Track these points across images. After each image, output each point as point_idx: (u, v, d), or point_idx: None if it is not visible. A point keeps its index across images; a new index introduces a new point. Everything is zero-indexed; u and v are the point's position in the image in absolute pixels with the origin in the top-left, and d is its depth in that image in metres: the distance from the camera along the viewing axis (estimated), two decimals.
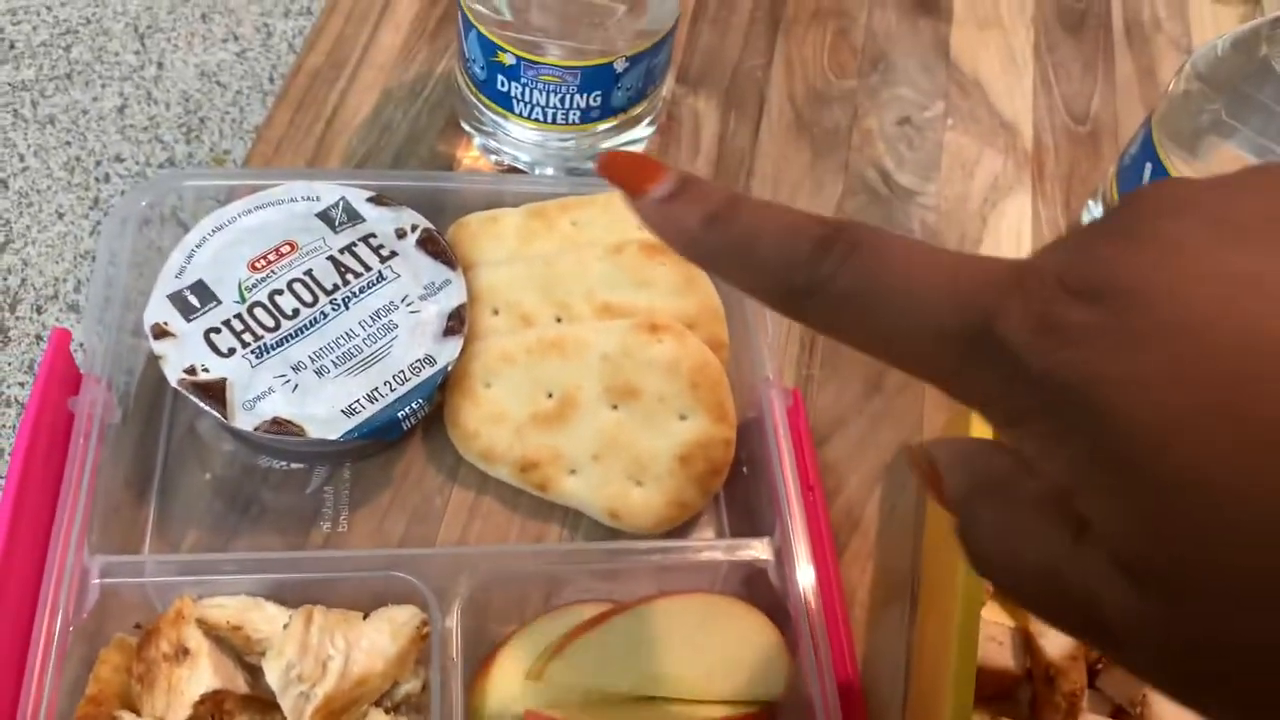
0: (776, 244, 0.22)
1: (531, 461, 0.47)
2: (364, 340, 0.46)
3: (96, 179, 0.64)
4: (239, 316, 0.46)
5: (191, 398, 0.44)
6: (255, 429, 0.43)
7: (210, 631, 0.39)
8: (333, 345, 0.46)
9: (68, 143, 0.63)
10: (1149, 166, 0.53)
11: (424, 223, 0.50)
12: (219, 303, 0.46)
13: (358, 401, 0.45)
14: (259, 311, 0.46)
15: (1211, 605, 0.17)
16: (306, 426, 0.44)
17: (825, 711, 0.41)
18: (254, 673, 0.40)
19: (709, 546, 0.45)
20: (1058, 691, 0.45)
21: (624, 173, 0.25)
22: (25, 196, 0.63)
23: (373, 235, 0.49)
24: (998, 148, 0.64)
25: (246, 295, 0.46)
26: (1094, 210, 0.59)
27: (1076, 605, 0.19)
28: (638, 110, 0.55)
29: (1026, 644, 0.46)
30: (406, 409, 0.45)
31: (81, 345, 0.45)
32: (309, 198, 0.50)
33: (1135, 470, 0.17)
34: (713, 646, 0.43)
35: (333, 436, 0.44)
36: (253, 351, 0.45)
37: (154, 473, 0.48)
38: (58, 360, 0.44)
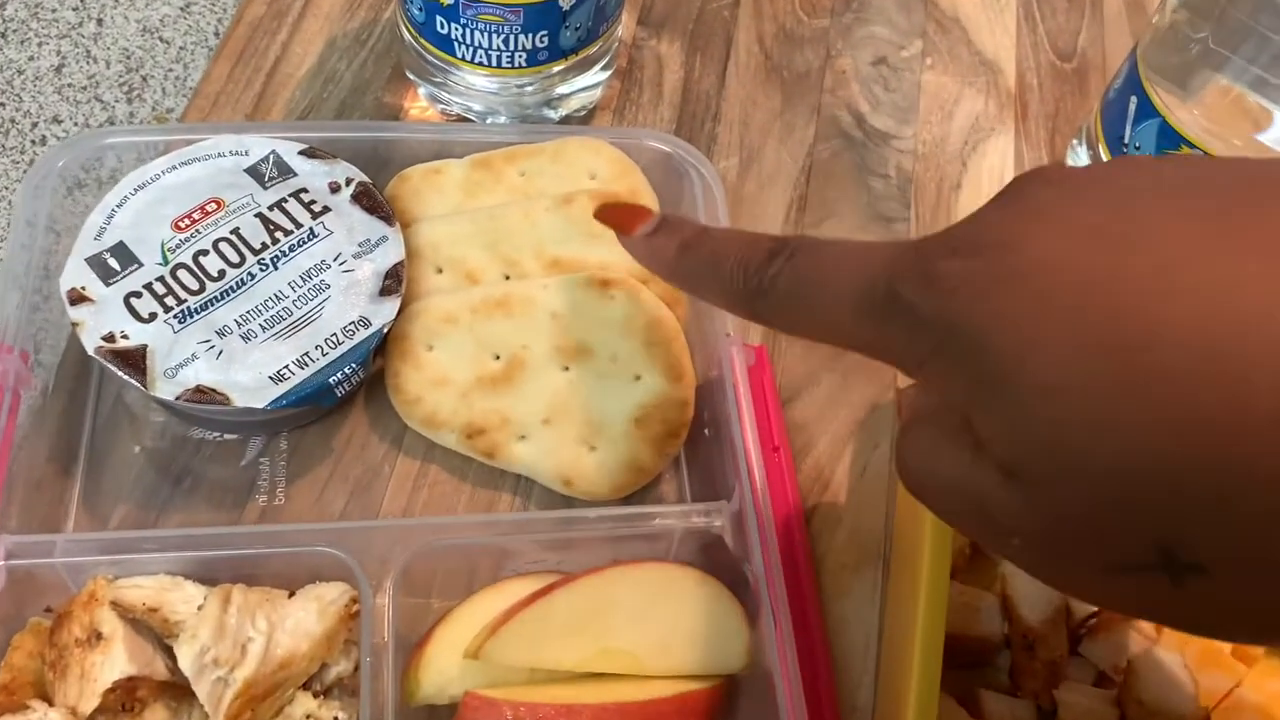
0: (736, 259, 0.28)
1: (478, 427, 0.45)
2: (294, 302, 0.43)
3: (33, 141, 0.61)
4: (161, 279, 0.43)
5: (110, 367, 0.41)
6: (177, 398, 0.41)
7: (126, 614, 0.37)
8: (260, 308, 0.43)
9: (1, 104, 0.60)
10: (1134, 100, 0.50)
11: (359, 176, 0.47)
12: (140, 265, 0.43)
13: (286, 367, 0.42)
14: (182, 274, 0.43)
15: (1062, 487, 0.20)
16: (232, 395, 0.41)
17: (786, 684, 0.39)
18: (175, 657, 0.37)
19: (662, 513, 0.42)
20: (1037, 658, 0.42)
21: (617, 218, 0.35)
22: None
23: (304, 190, 0.46)
24: (978, 87, 0.61)
25: (169, 257, 0.44)
26: (1078, 151, 0.56)
27: (975, 509, 0.23)
28: (591, 51, 0.52)
29: (1005, 610, 0.43)
30: (339, 374, 0.42)
31: None
32: (237, 152, 0.47)
33: (1004, 385, 0.20)
34: (666, 618, 0.40)
35: (260, 405, 0.41)
36: (175, 316, 0.42)
37: (80, 446, 0.45)
38: None
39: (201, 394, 0.41)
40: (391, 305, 0.44)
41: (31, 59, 0.60)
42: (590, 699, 0.38)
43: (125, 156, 0.48)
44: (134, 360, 0.41)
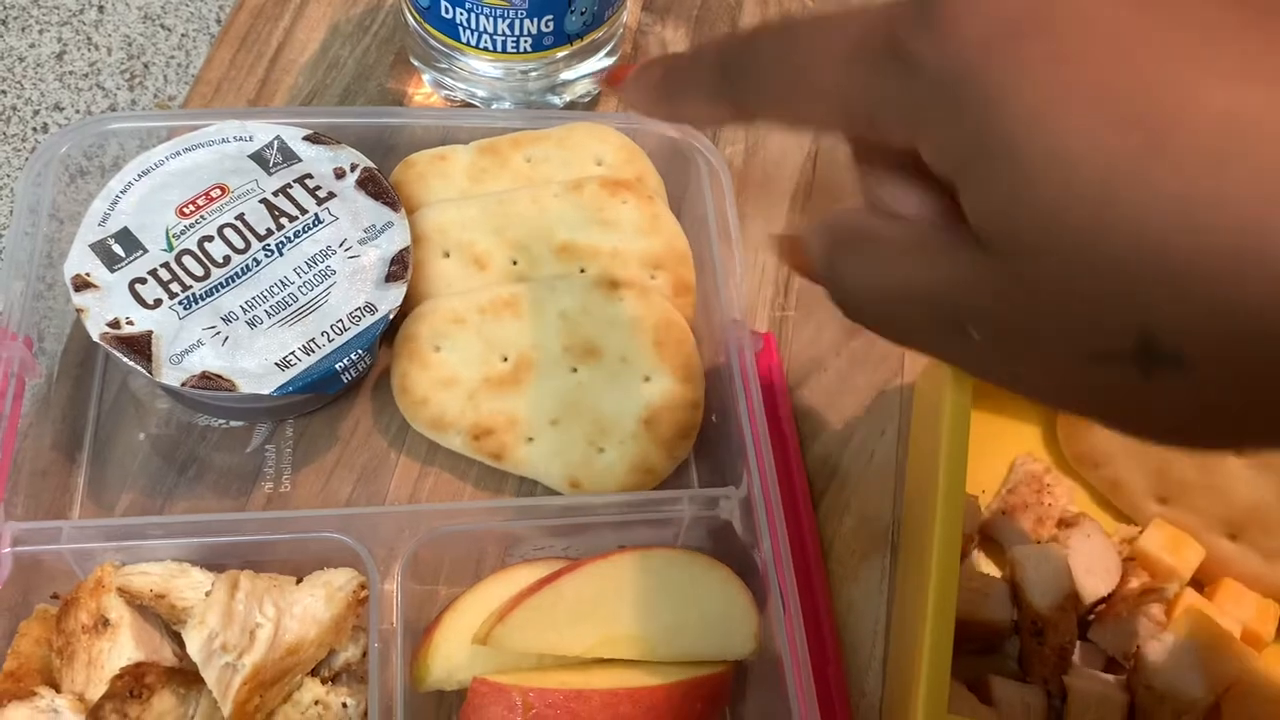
0: (717, 45, 0.26)
1: (485, 429, 0.44)
2: (299, 288, 0.43)
3: (34, 129, 0.60)
4: (166, 265, 0.43)
5: (115, 353, 0.41)
6: (183, 384, 0.41)
7: (133, 600, 0.37)
8: (266, 294, 0.43)
9: (3, 91, 0.60)
10: None
11: (364, 161, 0.47)
12: (145, 251, 0.43)
13: (293, 354, 0.42)
14: (188, 260, 0.43)
15: (1058, 261, 0.19)
16: (238, 381, 0.41)
17: (795, 671, 0.38)
18: (182, 643, 0.37)
19: (672, 499, 0.42)
20: (1046, 644, 0.42)
21: (613, 77, 0.32)
22: None
23: (309, 176, 0.46)
24: None
25: (174, 243, 0.43)
26: None
27: (931, 308, 0.22)
28: (596, 36, 0.52)
29: (1014, 596, 0.43)
30: (345, 360, 0.42)
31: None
32: (241, 138, 0.46)
33: (1014, 146, 0.19)
34: (675, 604, 0.40)
35: (266, 391, 0.41)
36: (180, 302, 0.42)
37: (85, 433, 0.45)
38: None
39: (207, 380, 0.41)
40: (397, 291, 0.44)
41: (33, 46, 0.60)
42: (599, 684, 0.38)
43: (128, 143, 0.48)
44: (139, 346, 0.41)
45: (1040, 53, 0.19)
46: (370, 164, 0.47)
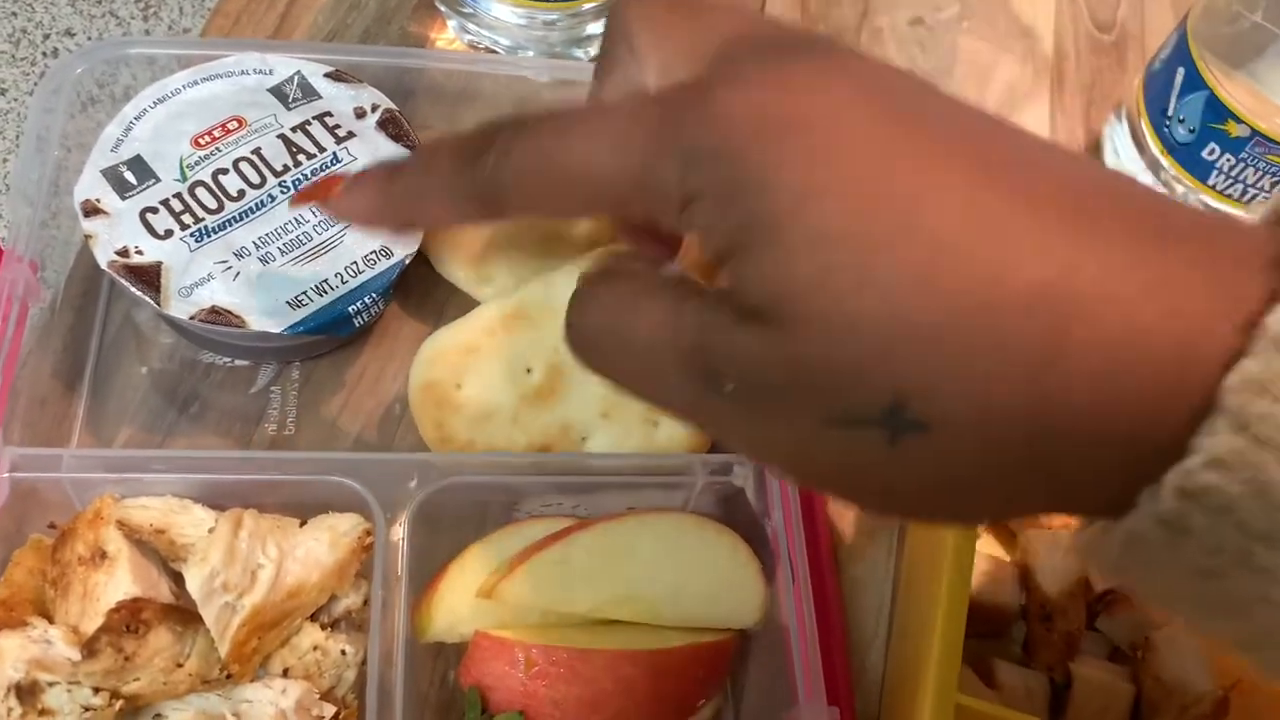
0: (450, 151, 0.26)
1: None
2: (314, 227, 0.42)
3: (44, 54, 0.59)
4: (179, 196, 0.42)
5: (122, 282, 0.40)
6: (191, 318, 0.39)
7: (132, 534, 0.36)
8: (280, 231, 0.42)
9: (13, 13, 0.58)
10: (1181, 72, 0.48)
11: (386, 102, 0.45)
12: (158, 180, 0.42)
13: (305, 293, 0.41)
14: (201, 191, 0.42)
15: (818, 330, 0.20)
16: (248, 318, 0.40)
17: (803, 643, 0.38)
18: (180, 581, 0.36)
19: (685, 463, 0.41)
20: (1054, 630, 0.42)
21: (311, 193, 0.33)
22: None
23: (329, 114, 0.45)
24: (1015, 54, 0.60)
25: (188, 173, 0.42)
26: (1116, 125, 0.55)
27: (675, 359, 0.22)
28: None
29: (1023, 580, 0.43)
30: (359, 304, 0.41)
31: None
32: (261, 71, 0.45)
33: (780, 226, 0.20)
34: (683, 569, 0.39)
35: (277, 330, 0.40)
36: (192, 234, 0.41)
37: (86, 364, 0.44)
38: None
39: (216, 315, 0.40)
40: (414, 237, 0.43)
41: None
42: (602, 645, 0.37)
43: (141, 73, 0.46)
44: (148, 277, 0.40)
45: (804, 146, 0.20)
46: (392, 105, 0.45)
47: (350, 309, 0.41)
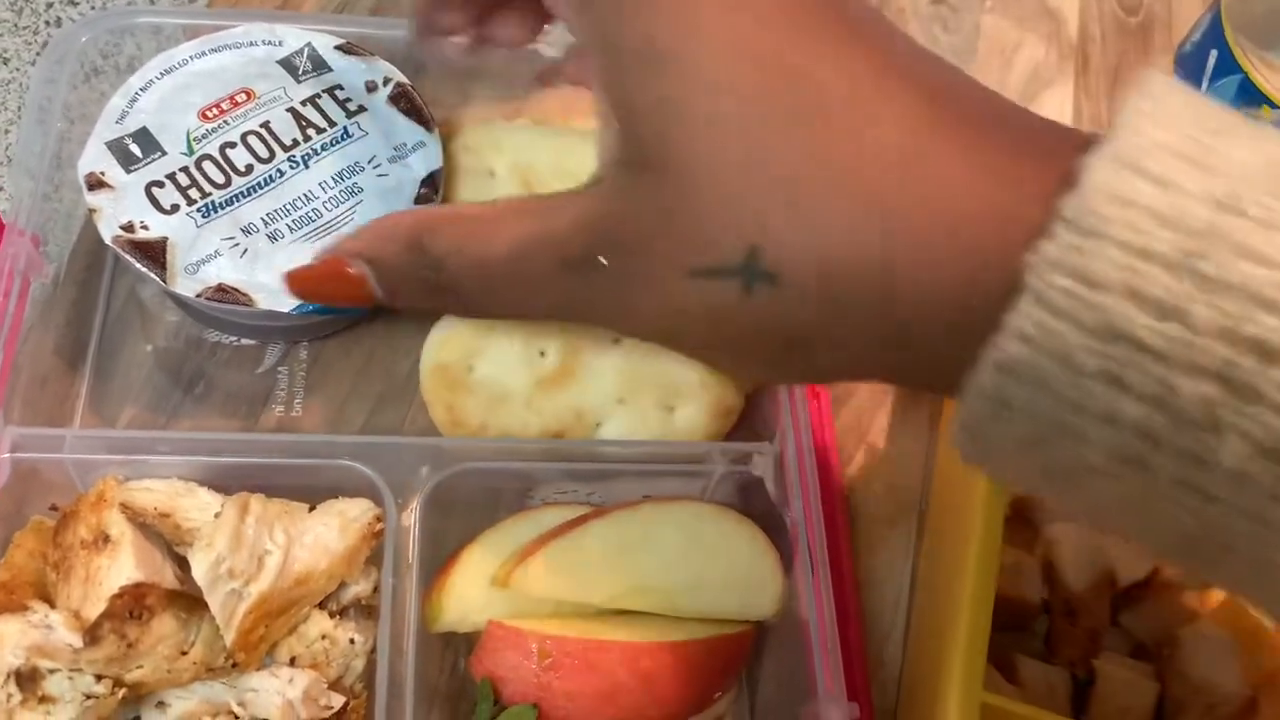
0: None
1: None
2: (324, 204, 0.41)
3: (47, 22, 0.57)
4: (185, 170, 0.41)
5: (127, 257, 0.39)
6: (198, 296, 0.38)
7: (135, 518, 0.35)
8: (289, 208, 0.41)
9: None
10: (1214, 54, 0.47)
11: (398, 75, 0.44)
12: (164, 154, 0.41)
13: None
14: (208, 165, 0.41)
15: (695, 174, 0.21)
16: (255, 296, 0.39)
17: (821, 636, 0.37)
18: (185, 565, 0.35)
19: (703, 451, 0.40)
20: (1078, 626, 0.41)
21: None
22: None
23: (339, 87, 0.43)
24: (1040, 35, 0.58)
25: (195, 147, 0.41)
26: None
27: (568, 241, 0.24)
28: None
29: (1046, 575, 0.42)
30: None
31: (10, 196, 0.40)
32: (270, 42, 0.44)
33: (683, 62, 0.21)
34: (699, 559, 0.38)
35: (285, 309, 0.39)
36: (199, 210, 0.40)
37: (89, 341, 0.43)
38: None
39: (223, 293, 0.39)
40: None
41: None
42: (618, 636, 0.36)
43: (146, 43, 0.45)
44: (153, 253, 0.39)
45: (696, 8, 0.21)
46: (404, 79, 0.44)
47: None
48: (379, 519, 0.36)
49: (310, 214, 0.41)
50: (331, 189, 0.41)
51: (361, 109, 0.43)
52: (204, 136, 0.41)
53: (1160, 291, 0.18)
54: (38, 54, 0.56)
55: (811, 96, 0.21)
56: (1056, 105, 0.57)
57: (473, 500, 0.39)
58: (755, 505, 0.40)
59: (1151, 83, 0.20)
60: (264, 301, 0.39)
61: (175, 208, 0.40)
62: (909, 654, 0.43)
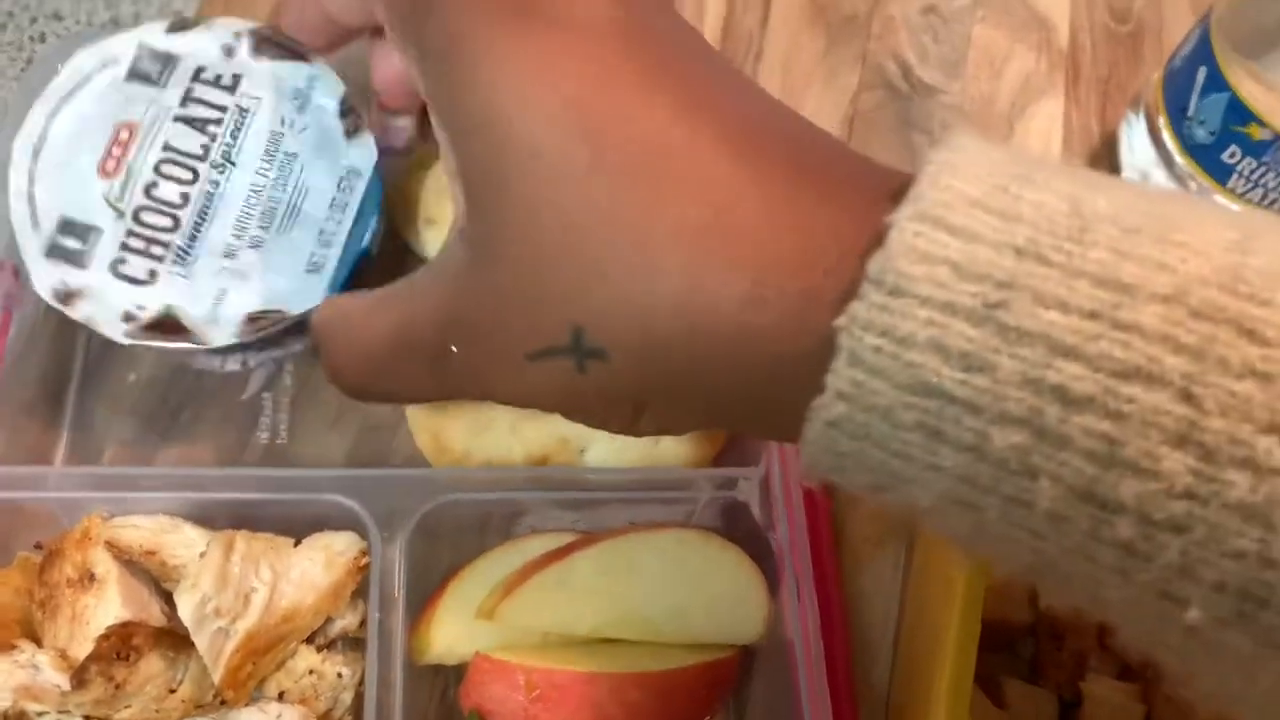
0: None
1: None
2: (273, 188, 0.39)
3: (31, 38, 0.57)
4: (130, 233, 0.38)
5: (156, 345, 0.36)
6: (240, 338, 0.37)
7: (121, 555, 0.35)
8: (246, 211, 0.38)
9: None
10: (1203, 71, 0.47)
11: (245, 26, 0.40)
12: (100, 230, 0.38)
13: (313, 254, 0.38)
14: (146, 215, 0.38)
15: (510, 266, 0.22)
16: (285, 307, 0.37)
17: (807, 659, 0.37)
18: (171, 602, 0.35)
19: (688, 477, 0.40)
20: (1065, 648, 0.41)
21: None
22: None
23: (201, 69, 0.40)
24: (1030, 45, 0.58)
25: (121, 207, 0.38)
26: (1134, 119, 0.53)
27: (424, 332, 0.25)
28: None
29: (1033, 597, 0.42)
30: (368, 234, 0.38)
31: None
32: (106, 64, 0.40)
33: (504, 150, 0.21)
34: (684, 587, 0.38)
35: (317, 301, 0.37)
36: (174, 262, 0.38)
37: (73, 372, 0.43)
38: None
39: (257, 322, 0.37)
40: (363, 144, 0.39)
41: None
42: (606, 666, 0.36)
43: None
44: (170, 327, 0.37)
45: (524, 66, 0.21)
46: (253, 24, 0.41)
47: (364, 242, 0.38)
48: (364, 553, 0.36)
49: (269, 206, 0.39)
50: (269, 171, 0.39)
51: (237, 77, 0.40)
52: (121, 191, 0.39)
53: (965, 345, 0.18)
54: (22, 69, 0.56)
55: (618, 161, 0.21)
56: (1047, 116, 0.56)
57: (459, 530, 0.39)
58: (741, 529, 0.40)
59: (955, 135, 0.20)
60: (294, 305, 0.37)
61: (153, 274, 0.38)
62: (896, 676, 0.43)
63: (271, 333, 0.38)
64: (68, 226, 0.38)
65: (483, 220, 0.22)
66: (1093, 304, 0.18)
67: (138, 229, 0.38)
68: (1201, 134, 0.47)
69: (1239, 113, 0.45)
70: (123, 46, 0.40)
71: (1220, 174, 0.47)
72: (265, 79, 0.40)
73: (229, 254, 0.39)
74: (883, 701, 0.43)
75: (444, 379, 0.25)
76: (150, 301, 0.37)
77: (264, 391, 0.43)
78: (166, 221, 0.38)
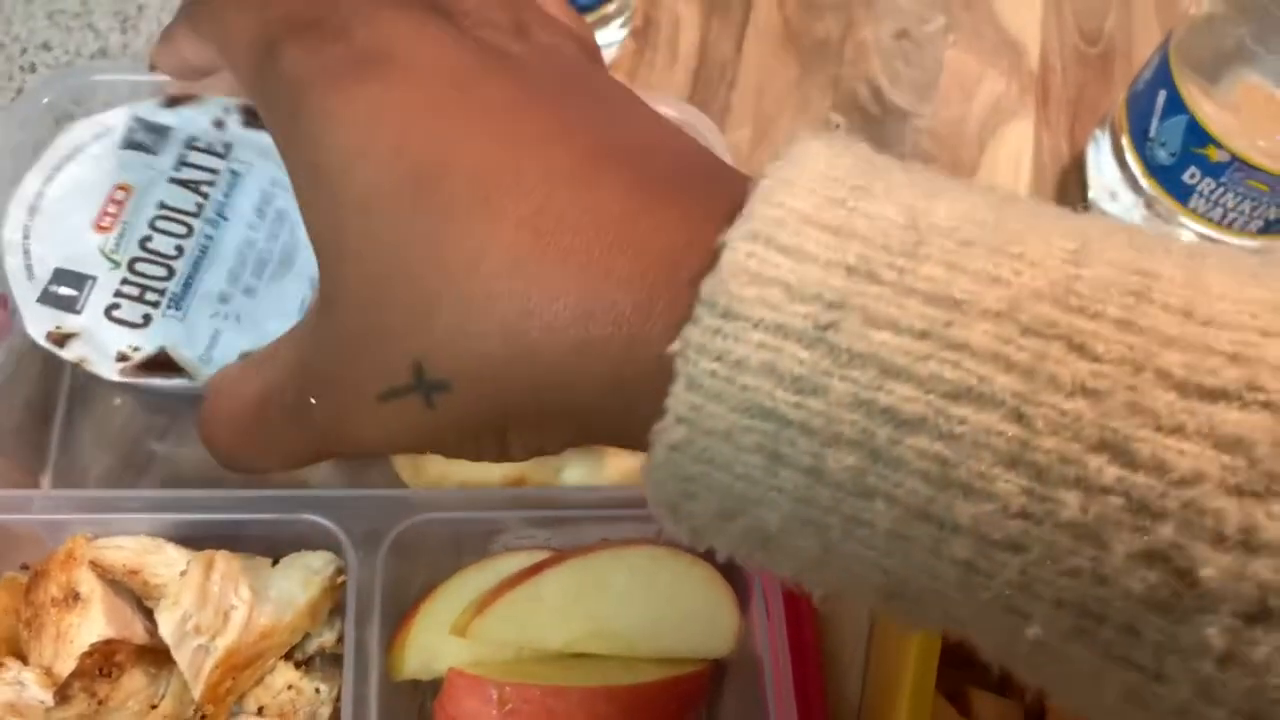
0: None
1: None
2: (264, 241, 0.41)
3: (21, 68, 0.58)
4: (126, 281, 0.39)
5: (152, 383, 0.38)
6: None
7: (105, 575, 0.36)
8: (240, 262, 0.40)
9: None
10: (1163, 94, 0.48)
11: (231, 101, 0.43)
12: (94, 279, 0.39)
13: (304, 298, 0.40)
14: (141, 266, 0.40)
15: (357, 300, 0.22)
16: None
17: (775, 672, 0.38)
18: (154, 620, 0.36)
19: None
20: None
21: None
22: None
23: (194, 139, 0.42)
24: (1001, 68, 0.59)
25: (117, 258, 0.40)
26: (1101, 141, 0.54)
27: (285, 389, 0.24)
28: (608, 9, 0.50)
29: None
30: None
31: None
32: (100, 134, 0.42)
33: (333, 187, 0.22)
34: (656, 601, 0.39)
35: None
36: (169, 305, 0.39)
37: (59, 395, 0.44)
38: None
39: None
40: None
41: None
42: (577, 680, 0.37)
43: (118, 91, 0.46)
44: (164, 365, 0.38)
45: (367, 102, 0.21)
46: (237, 101, 0.43)
47: None
48: (341, 571, 0.37)
49: (262, 255, 0.40)
50: (260, 226, 0.41)
51: (228, 145, 0.42)
52: (117, 245, 0.40)
53: (797, 368, 0.18)
54: (12, 99, 0.57)
55: (443, 198, 0.20)
56: (1017, 138, 0.58)
57: (435, 548, 0.40)
58: None
59: (794, 147, 0.20)
60: None
61: (147, 318, 0.39)
62: (867, 691, 0.44)
63: None
64: (61, 275, 0.39)
65: (327, 271, 0.22)
66: (923, 323, 0.17)
67: (132, 278, 0.39)
68: (1163, 155, 0.48)
69: (1197, 134, 0.46)
70: (117, 119, 0.42)
71: (1181, 194, 0.48)
72: (254, 146, 0.42)
73: (223, 299, 0.40)
74: (854, 713, 0.43)
75: (310, 435, 0.24)
76: (145, 343, 0.38)
77: None
78: (161, 270, 0.40)
